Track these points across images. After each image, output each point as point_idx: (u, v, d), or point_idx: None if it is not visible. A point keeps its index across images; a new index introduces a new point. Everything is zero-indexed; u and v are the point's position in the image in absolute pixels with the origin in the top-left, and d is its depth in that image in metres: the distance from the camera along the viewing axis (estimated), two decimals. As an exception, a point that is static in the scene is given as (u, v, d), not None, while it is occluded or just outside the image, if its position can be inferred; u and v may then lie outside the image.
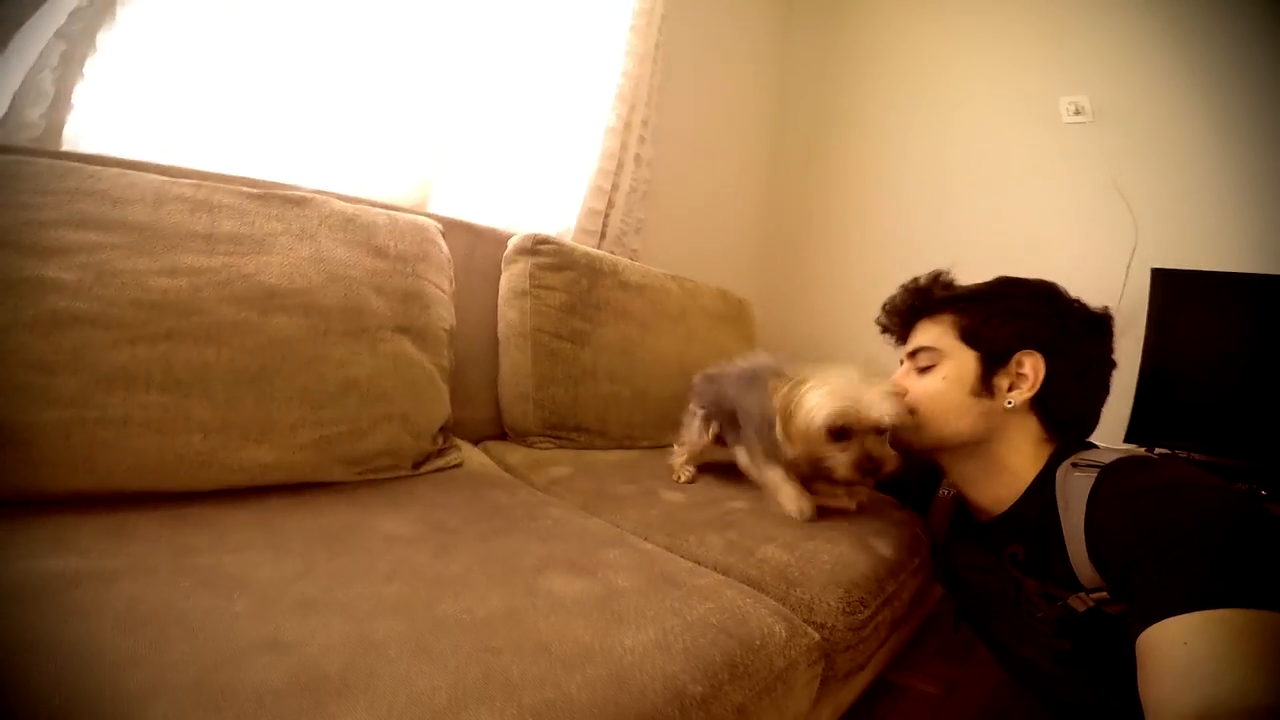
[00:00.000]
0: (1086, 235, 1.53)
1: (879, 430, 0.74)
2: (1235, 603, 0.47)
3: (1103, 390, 0.79)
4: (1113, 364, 0.79)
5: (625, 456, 1.10)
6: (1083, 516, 0.63)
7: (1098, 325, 0.78)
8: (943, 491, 0.91)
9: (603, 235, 1.47)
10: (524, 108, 1.36)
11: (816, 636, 0.59)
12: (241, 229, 0.76)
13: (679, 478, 0.97)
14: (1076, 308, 0.78)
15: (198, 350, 0.66)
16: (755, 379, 0.87)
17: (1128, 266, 1.44)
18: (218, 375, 0.68)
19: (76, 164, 0.73)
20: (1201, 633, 0.47)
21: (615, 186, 1.47)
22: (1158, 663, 0.49)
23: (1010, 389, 0.74)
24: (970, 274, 0.85)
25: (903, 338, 0.87)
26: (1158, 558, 0.54)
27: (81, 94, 0.86)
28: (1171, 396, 1.36)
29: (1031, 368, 0.74)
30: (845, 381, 0.74)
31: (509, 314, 1.14)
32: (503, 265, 1.17)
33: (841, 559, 0.72)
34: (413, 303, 0.88)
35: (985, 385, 0.75)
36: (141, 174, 0.76)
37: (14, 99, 0.82)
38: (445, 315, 0.95)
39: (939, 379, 0.77)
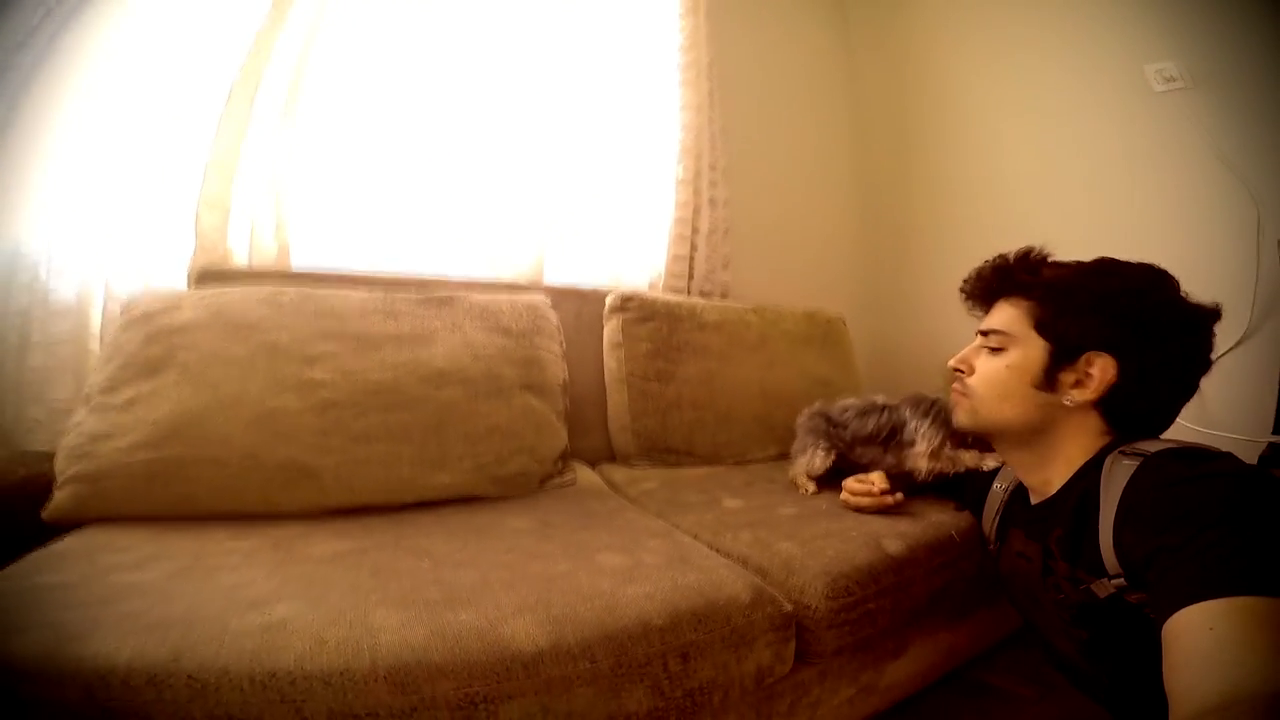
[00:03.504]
0: (1203, 213, 1.46)
1: None
2: (1262, 590, 0.50)
3: (1184, 390, 0.79)
4: (1206, 364, 0.78)
5: (708, 472, 1.39)
6: (1117, 503, 0.67)
7: (1191, 325, 0.76)
8: (996, 485, 1.01)
9: (691, 276, 1.78)
10: (608, 178, 1.73)
11: (788, 609, 0.83)
12: (416, 329, 1.20)
13: (805, 491, 1.24)
14: (1172, 303, 0.77)
15: (402, 416, 1.10)
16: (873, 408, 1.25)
17: (1257, 243, 1.38)
18: (415, 430, 1.11)
19: (309, 289, 1.19)
20: (1226, 619, 0.49)
21: (695, 231, 1.76)
22: (1182, 648, 0.51)
23: (1075, 385, 0.78)
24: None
25: (984, 309, 0.91)
26: (1184, 544, 0.56)
27: (291, 217, 1.39)
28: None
29: (1100, 369, 0.76)
30: None
31: (609, 362, 1.51)
32: (603, 321, 1.54)
33: (842, 554, 0.94)
34: (532, 367, 1.27)
35: (1048, 379, 0.79)
36: (350, 292, 1.21)
37: (251, 229, 1.35)
38: (558, 372, 1.33)
39: (1002, 364, 0.82)
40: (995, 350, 0.84)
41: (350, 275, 1.35)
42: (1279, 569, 0.51)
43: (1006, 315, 0.84)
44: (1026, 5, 1.81)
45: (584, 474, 1.35)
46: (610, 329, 1.52)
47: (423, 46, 1.56)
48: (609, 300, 1.55)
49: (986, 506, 1.03)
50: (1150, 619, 0.60)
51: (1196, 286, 0.78)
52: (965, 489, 1.13)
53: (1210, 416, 1.44)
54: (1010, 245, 0.89)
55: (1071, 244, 0.87)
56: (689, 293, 1.78)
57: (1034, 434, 0.81)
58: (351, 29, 1.46)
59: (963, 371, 0.88)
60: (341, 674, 0.60)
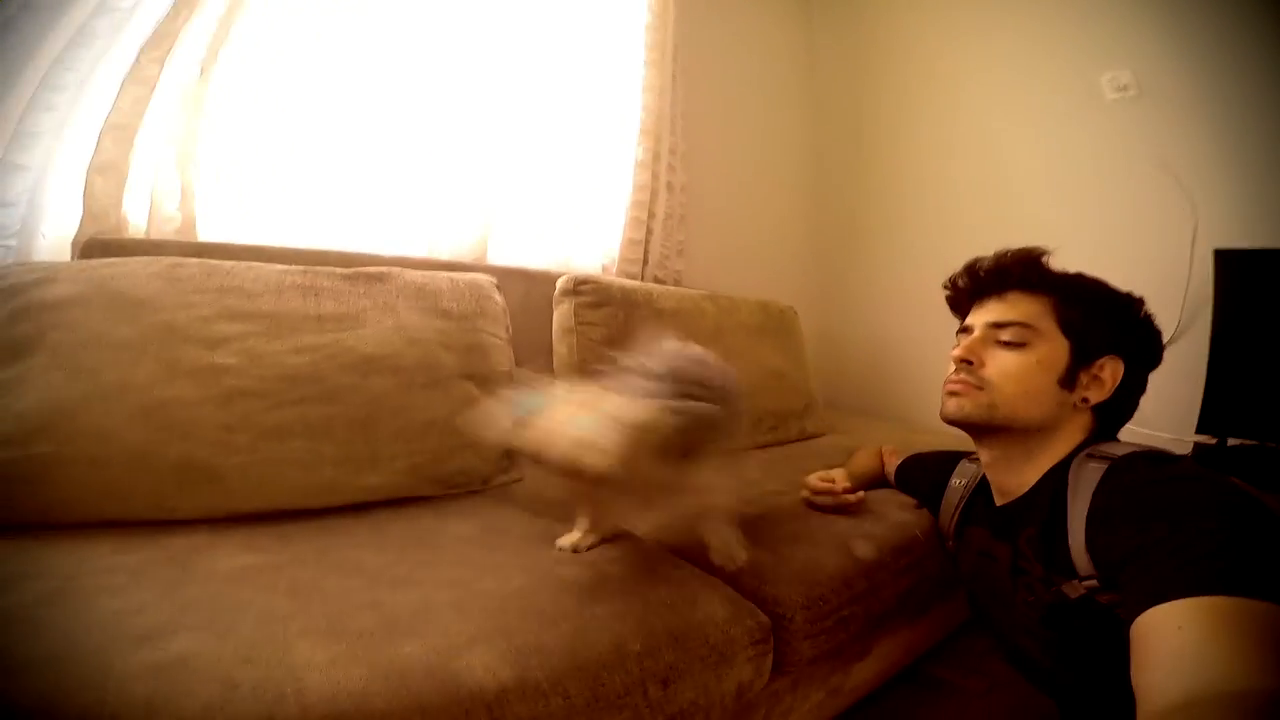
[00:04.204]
0: (1143, 218, 1.53)
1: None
2: (1230, 591, 0.51)
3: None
4: None
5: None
6: (1087, 505, 0.68)
7: (1159, 338, 0.84)
8: (955, 481, 1.01)
9: (645, 262, 1.71)
10: (562, 154, 1.63)
11: (766, 621, 0.79)
12: (341, 309, 1.06)
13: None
14: (1151, 317, 0.83)
15: (323, 408, 0.97)
16: None
17: (1191, 249, 1.45)
18: (339, 425, 0.98)
19: (215, 261, 1.04)
20: (1194, 619, 0.51)
21: (652, 215, 1.70)
22: (1150, 648, 0.52)
23: (1088, 386, 0.79)
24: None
25: (968, 305, 0.89)
26: (1155, 545, 0.58)
27: (200, 186, 1.22)
28: (1245, 385, 1.37)
29: (1111, 373, 0.79)
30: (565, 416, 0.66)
31: (560, 349, 1.42)
32: (553, 306, 1.45)
33: (813, 560, 0.90)
34: (475, 353, 1.16)
35: (1071, 378, 0.79)
36: (263, 266, 1.06)
37: (151, 197, 1.18)
38: (503, 360, 1.22)
39: (1032, 359, 0.79)
40: (1011, 344, 0.80)
41: (264, 248, 1.20)
42: (1248, 569, 0.52)
43: (1026, 308, 0.81)
44: (988, 10, 1.83)
45: (532, 470, 1.25)
46: (562, 313, 1.43)
47: (361, 7, 1.39)
48: (561, 283, 1.45)
49: (944, 503, 1.02)
50: (1121, 619, 0.60)
51: (1132, 287, 0.83)
52: (920, 485, 1.13)
53: (1139, 414, 1.50)
54: (959, 247, 0.88)
55: (1019, 244, 0.86)
56: (642, 278, 1.71)
57: (1038, 433, 0.80)
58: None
59: (971, 363, 0.83)
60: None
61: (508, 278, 1.37)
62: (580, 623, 0.66)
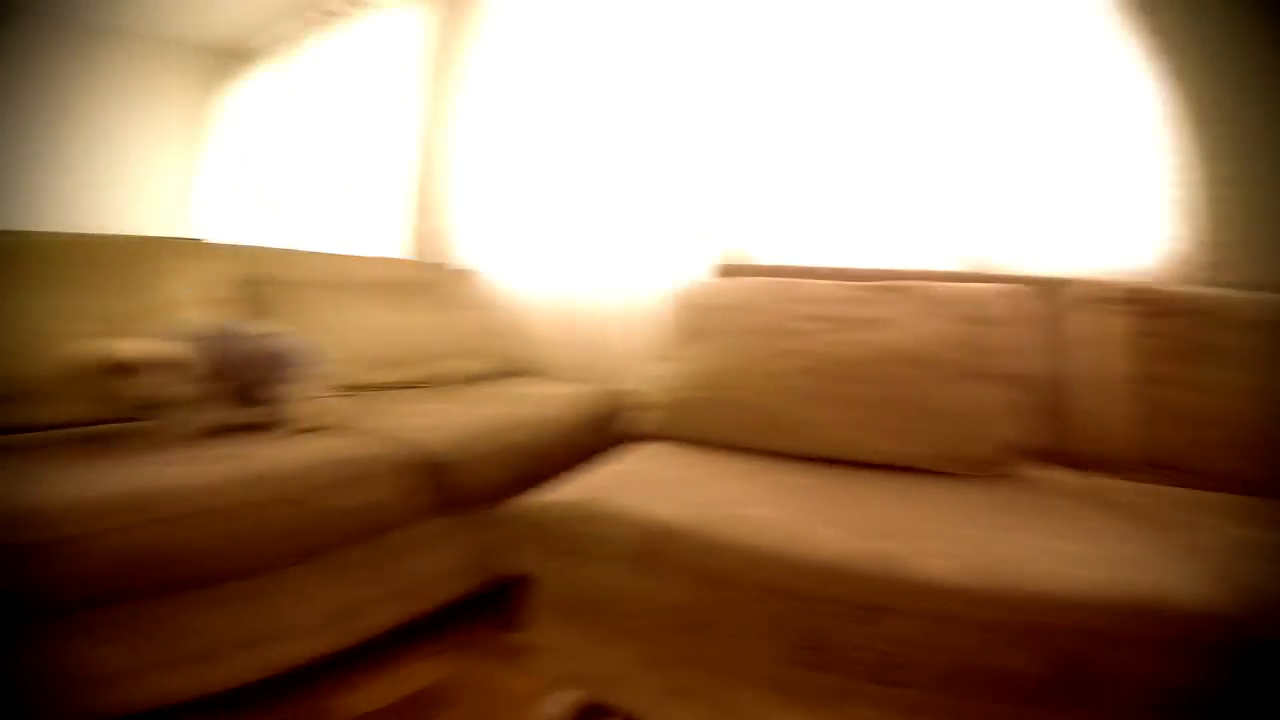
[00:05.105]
0: None
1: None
2: None
3: None
4: None
5: (1227, 500, 1.12)
6: None
7: None
8: None
9: (1202, 266, 1.46)
10: (1070, 152, 1.61)
11: (1252, 635, 0.69)
12: (874, 313, 1.37)
13: None
14: None
15: (867, 387, 1.29)
16: None
17: None
18: (873, 400, 1.28)
19: (790, 279, 1.52)
20: None
21: (1201, 211, 1.45)
22: None
23: None
24: None
25: None
26: None
27: (772, 221, 1.81)
28: None
29: None
30: None
31: (1096, 359, 1.38)
32: (1089, 316, 1.41)
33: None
34: (989, 356, 1.30)
35: None
36: (822, 282, 1.48)
37: (752, 232, 1.82)
38: (1020, 363, 1.33)
39: None
40: None
41: (822, 268, 1.64)
42: None
43: None
44: None
45: (1047, 473, 1.29)
46: (1098, 323, 1.38)
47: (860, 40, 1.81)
48: (1098, 290, 1.40)
49: None
50: None
51: None
52: None
53: None
54: None
55: None
56: (1204, 284, 1.43)
57: None
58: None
59: None
60: (782, 559, 0.86)
61: (1035, 287, 1.45)
62: (1031, 567, 0.78)
